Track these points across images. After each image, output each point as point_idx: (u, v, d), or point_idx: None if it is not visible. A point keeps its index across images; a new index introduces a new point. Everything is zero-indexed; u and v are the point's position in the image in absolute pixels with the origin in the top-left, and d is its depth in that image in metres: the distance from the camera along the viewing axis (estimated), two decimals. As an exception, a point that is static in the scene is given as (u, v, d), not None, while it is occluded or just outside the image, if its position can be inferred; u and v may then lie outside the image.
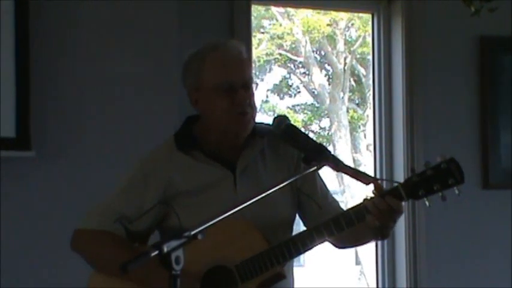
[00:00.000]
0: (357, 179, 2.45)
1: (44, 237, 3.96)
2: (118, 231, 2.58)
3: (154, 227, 2.65)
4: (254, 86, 2.63)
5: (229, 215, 2.10)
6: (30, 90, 3.88)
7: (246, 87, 2.57)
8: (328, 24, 11.36)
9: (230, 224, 2.31)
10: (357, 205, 2.46)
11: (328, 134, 12.42)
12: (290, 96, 12.80)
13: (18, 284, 3.87)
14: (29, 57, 3.89)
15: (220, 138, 2.61)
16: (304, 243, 2.46)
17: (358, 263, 10.73)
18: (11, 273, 3.86)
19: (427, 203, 2.42)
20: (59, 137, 3.99)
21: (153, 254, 1.87)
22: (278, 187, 2.22)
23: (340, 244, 2.73)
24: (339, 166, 2.38)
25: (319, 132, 12.64)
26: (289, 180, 2.29)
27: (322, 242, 2.50)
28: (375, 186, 2.43)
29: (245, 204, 2.15)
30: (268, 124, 2.67)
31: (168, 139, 2.67)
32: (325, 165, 2.31)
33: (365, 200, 2.44)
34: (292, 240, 2.47)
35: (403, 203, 2.42)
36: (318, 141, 2.60)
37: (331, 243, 2.69)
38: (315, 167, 2.30)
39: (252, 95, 2.59)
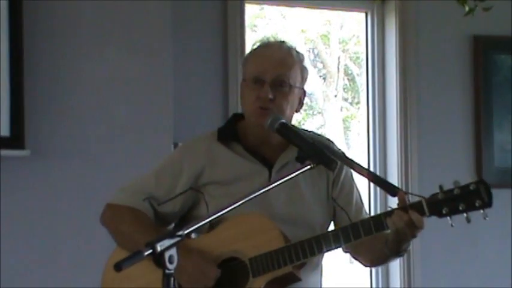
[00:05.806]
0: (363, 176, 2.47)
1: (39, 236, 3.96)
2: (146, 209, 2.62)
3: (182, 213, 2.67)
4: (295, 90, 2.62)
5: (227, 212, 2.11)
6: (25, 89, 3.88)
7: (276, 85, 2.58)
8: (323, 24, 11.35)
9: (252, 218, 2.45)
10: (378, 215, 2.45)
11: (321, 132, 12.41)
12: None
13: (16, 284, 3.88)
14: (22, 57, 3.89)
15: (255, 133, 2.63)
16: (319, 246, 2.46)
17: (351, 262, 10.75)
18: (11, 273, 3.87)
19: (450, 222, 2.39)
20: (54, 135, 4.00)
21: (146, 253, 1.86)
22: (274, 185, 2.22)
23: (357, 256, 2.70)
24: (333, 166, 2.37)
25: (312, 131, 12.61)
26: (284, 179, 2.27)
27: (338, 247, 2.49)
28: (399, 198, 2.40)
29: (236, 205, 2.15)
30: (315, 132, 2.77)
31: (213, 130, 2.72)
32: (320, 164, 2.30)
33: (387, 210, 2.42)
34: (308, 241, 2.46)
35: (425, 219, 2.39)
36: (318, 140, 2.62)
37: (351, 254, 2.69)
38: (310, 166, 2.30)
39: (283, 95, 2.59)
